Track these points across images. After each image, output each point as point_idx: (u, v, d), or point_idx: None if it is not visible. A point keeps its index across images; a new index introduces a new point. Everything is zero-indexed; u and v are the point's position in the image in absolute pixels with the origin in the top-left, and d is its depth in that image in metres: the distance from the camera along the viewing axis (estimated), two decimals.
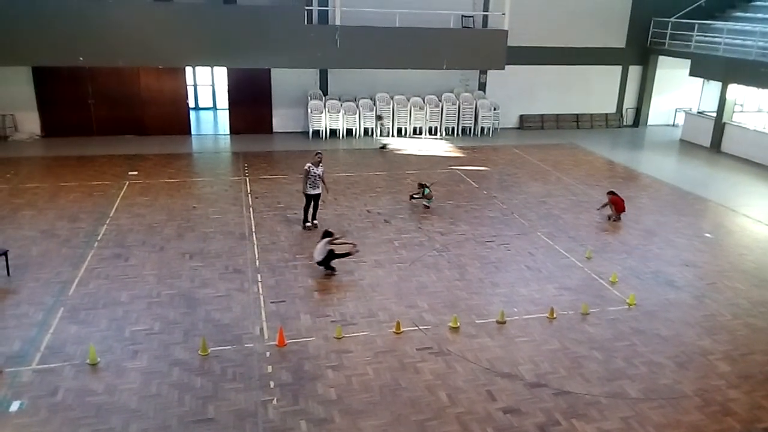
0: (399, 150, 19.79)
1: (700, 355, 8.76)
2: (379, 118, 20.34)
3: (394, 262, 11.36)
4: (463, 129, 22.30)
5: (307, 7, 18.20)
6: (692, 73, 21.48)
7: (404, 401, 7.51)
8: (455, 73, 22.41)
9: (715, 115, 21.39)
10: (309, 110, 20.67)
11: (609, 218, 14.09)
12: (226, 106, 21.54)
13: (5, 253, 10.35)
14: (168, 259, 11.20)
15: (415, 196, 14.77)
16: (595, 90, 24.33)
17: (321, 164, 12.66)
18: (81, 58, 16.57)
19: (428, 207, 14.45)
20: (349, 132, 21.13)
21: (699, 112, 23.63)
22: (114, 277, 10.43)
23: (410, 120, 21.63)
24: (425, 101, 21.82)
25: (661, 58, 23.89)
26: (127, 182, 15.53)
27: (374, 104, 21.29)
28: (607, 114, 24.76)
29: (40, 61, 17.49)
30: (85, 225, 12.67)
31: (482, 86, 23.11)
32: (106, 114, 20.09)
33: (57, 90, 19.57)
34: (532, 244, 12.50)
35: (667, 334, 9.28)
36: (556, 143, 21.57)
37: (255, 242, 12.12)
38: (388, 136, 20.85)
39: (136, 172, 16.38)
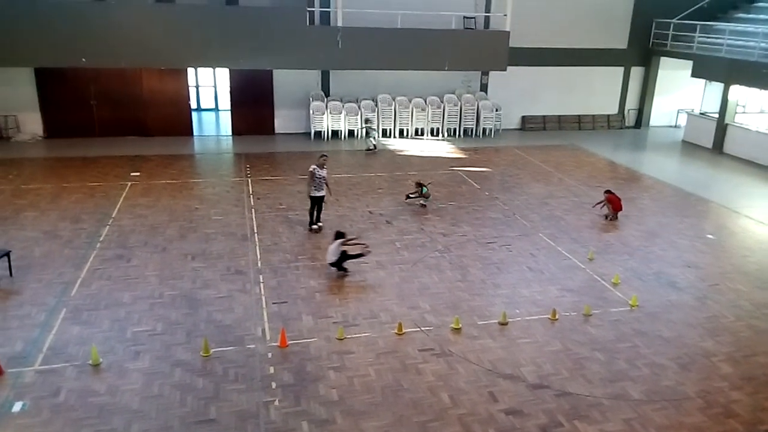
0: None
1: (703, 356, 8.75)
2: (367, 121, 20.30)
3: (396, 263, 11.36)
4: (465, 130, 22.30)
5: (309, 9, 18.25)
6: (694, 74, 21.44)
7: (406, 402, 7.51)
8: (457, 74, 22.41)
9: (717, 116, 21.36)
10: (311, 111, 20.68)
11: (606, 217, 14.12)
12: (228, 107, 21.57)
13: (8, 254, 10.36)
14: (170, 260, 11.21)
15: (411, 195, 14.81)
16: (597, 91, 24.32)
17: (325, 166, 12.66)
18: (83, 60, 16.61)
19: (425, 206, 14.48)
20: (351, 133, 21.14)
21: (701, 114, 23.59)
22: (116, 278, 10.44)
23: (412, 121, 21.63)
24: (427, 102, 21.82)
25: (663, 59, 23.87)
26: (130, 183, 15.55)
27: (375, 105, 21.30)
28: (609, 115, 24.74)
29: (43, 62, 17.53)
30: (87, 226, 12.69)
31: (484, 87, 23.11)
32: (109, 115, 20.12)
33: (59, 91, 19.60)
34: (534, 245, 12.49)
35: (669, 335, 9.27)
36: (557, 144, 21.56)
37: (257, 243, 12.12)
38: (378, 137, 20.63)
39: (138, 173, 16.40)
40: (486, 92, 23.00)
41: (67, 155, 17.95)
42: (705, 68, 20.99)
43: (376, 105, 21.30)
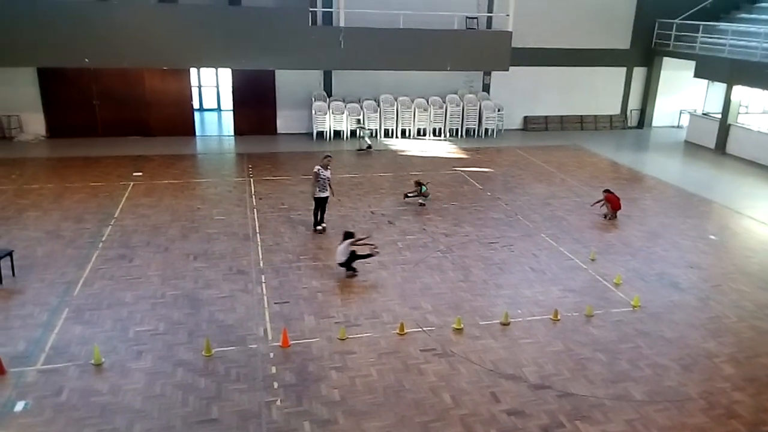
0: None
1: (705, 357, 8.73)
2: (358, 122, 20.28)
3: (398, 264, 11.36)
4: (467, 130, 22.30)
5: (311, 9, 18.26)
6: (697, 75, 21.42)
7: (408, 403, 7.51)
8: (459, 74, 22.40)
9: (719, 116, 21.33)
10: (313, 111, 20.70)
11: (605, 217, 14.12)
12: (231, 107, 21.60)
13: (10, 254, 10.38)
14: (172, 260, 11.22)
15: (409, 194, 14.84)
16: (600, 91, 24.29)
17: (329, 167, 12.63)
18: (86, 60, 16.65)
19: (423, 205, 14.50)
20: (353, 133, 21.13)
21: (704, 114, 23.56)
22: (118, 278, 10.45)
23: (414, 121, 21.62)
24: (429, 102, 21.83)
25: (665, 59, 23.84)
26: (132, 183, 15.57)
27: (378, 105, 21.31)
28: (611, 115, 24.72)
29: (45, 62, 17.57)
30: (89, 226, 12.71)
31: (486, 87, 23.10)
32: (111, 115, 20.15)
33: (62, 91, 19.64)
34: (536, 245, 12.48)
35: (671, 336, 9.26)
36: (560, 145, 21.54)
37: (259, 243, 12.13)
38: (372, 135, 20.58)
39: (140, 173, 16.43)
40: (488, 92, 22.98)
41: (70, 155, 17.98)
42: (708, 68, 20.96)
43: (378, 105, 21.31)
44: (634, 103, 24.93)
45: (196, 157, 18.85)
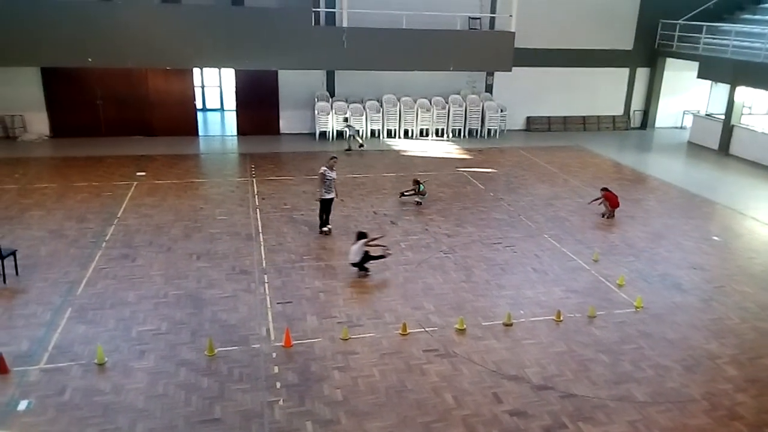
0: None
1: (708, 358, 8.72)
2: (346, 120, 20.26)
3: (401, 264, 11.36)
4: (470, 131, 22.29)
5: (314, 9, 18.28)
6: (700, 76, 21.39)
7: (410, 403, 7.51)
8: (462, 74, 22.40)
9: (723, 117, 21.30)
10: (316, 112, 20.71)
11: (603, 216, 14.12)
12: (234, 107, 21.61)
13: (14, 253, 10.41)
14: (175, 260, 11.24)
15: (405, 193, 14.88)
16: (603, 92, 24.27)
17: (334, 168, 12.58)
18: (90, 59, 16.70)
19: (420, 203, 14.53)
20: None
21: (707, 115, 23.53)
22: (121, 278, 10.47)
23: (417, 122, 21.63)
24: (432, 103, 21.82)
25: (668, 60, 23.80)
26: (135, 183, 15.60)
27: (380, 106, 21.32)
28: (614, 116, 24.69)
29: (49, 62, 17.63)
30: (93, 225, 12.74)
31: (489, 88, 23.09)
32: (115, 115, 20.19)
33: (65, 91, 19.68)
34: (539, 246, 12.48)
35: (674, 337, 9.24)
36: (563, 145, 21.52)
37: (261, 243, 12.14)
38: (358, 137, 20.36)
39: (143, 173, 16.46)
40: (491, 93, 22.98)
41: (73, 155, 18.02)
42: (711, 69, 20.93)
43: (381, 105, 21.31)
44: (637, 103, 24.90)
45: (199, 157, 18.87)
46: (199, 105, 22.46)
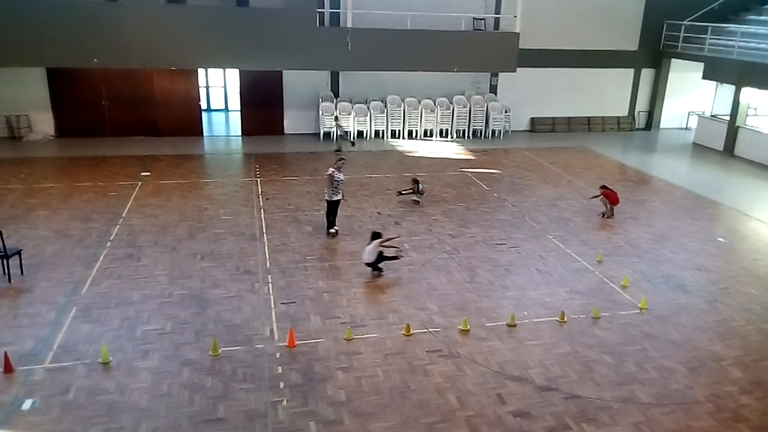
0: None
1: (712, 360, 8.70)
2: (336, 119, 20.24)
3: (404, 264, 11.35)
4: (474, 131, 22.28)
5: (318, 10, 18.30)
6: (705, 77, 21.32)
7: (413, 403, 7.51)
8: (466, 75, 22.38)
9: (728, 118, 21.23)
10: (320, 112, 20.73)
11: (603, 215, 14.11)
12: (238, 107, 21.66)
13: (19, 253, 10.45)
14: (179, 260, 11.26)
15: (403, 192, 14.91)
16: (607, 93, 24.22)
17: (342, 169, 12.51)
18: (95, 60, 16.76)
19: (418, 202, 14.55)
20: (360, 134, 21.17)
21: (712, 116, 23.47)
22: (126, 277, 10.50)
23: (421, 122, 21.62)
24: (436, 103, 21.81)
25: (674, 61, 23.73)
26: (140, 183, 15.65)
27: (385, 106, 21.32)
28: (619, 117, 24.64)
29: (55, 62, 17.68)
30: (98, 225, 12.78)
31: (493, 89, 23.07)
32: (120, 115, 20.25)
33: (71, 91, 19.75)
34: (543, 247, 12.46)
35: (678, 338, 9.22)
36: (567, 146, 21.49)
37: (266, 243, 12.16)
38: (346, 137, 20.45)
39: (148, 173, 16.50)
40: (495, 93, 22.96)
41: (78, 155, 18.08)
42: (716, 70, 20.86)
43: (385, 106, 21.32)
44: (641, 104, 24.84)
45: (203, 157, 18.91)
46: (203, 105, 22.50)
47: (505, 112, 22.28)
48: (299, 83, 21.04)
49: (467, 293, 10.38)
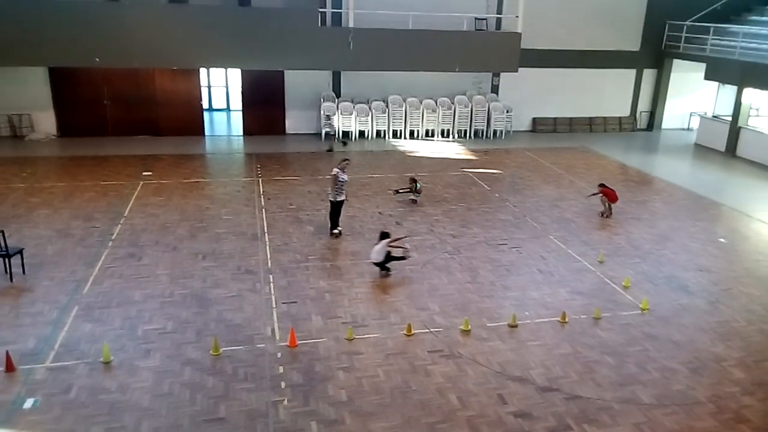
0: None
1: (714, 361, 8.69)
2: (327, 118, 20.22)
3: (406, 264, 11.34)
4: (476, 131, 22.28)
5: (320, 10, 18.31)
6: (707, 77, 21.29)
7: (415, 404, 7.51)
8: (468, 75, 22.38)
9: (730, 119, 21.20)
10: (322, 112, 20.73)
11: (602, 215, 14.10)
12: (240, 107, 21.68)
13: (21, 252, 10.46)
14: (181, 259, 11.27)
15: (400, 190, 14.93)
16: (609, 93, 24.20)
17: (346, 169, 12.46)
18: (97, 59, 16.77)
19: (415, 201, 14.56)
20: (362, 134, 21.17)
21: (714, 116, 23.45)
22: (127, 277, 10.51)
23: (422, 122, 21.62)
24: (438, 104, 21.82)
25: (675, 61, 23.71)
26: (142, 182, 15.66)
27: (386, 106, 21.33)
28: (620, 117, 24.62)
29: (57, 61, 17.71)
30: (99, 224, 12.79)
31: (495, 89, 23.07)
32: (121, 115, 20.28)
33: (73, 91, 19.78)
34: (544, 247, 12.45)
35: (680, 339, 9.21)
36: (568, 146, 21.48)
37: (267, 243, 12.16)
38: (336, 137, 20.42)
39: (150, 173, 16.51)
40: (497, 94, 22.95)
41: (80, 154, 18.10)
42: (718, 71, 20.84)
43: (387, 106, 21.32)
44: (643, 105, 24.82)
45: (205, 156, 18.93)
46: (205, 105, 22.52)
47: (507, 112, 22.27)
48: (301, 83, 21.05)
49: (468, 293, 10.38)
